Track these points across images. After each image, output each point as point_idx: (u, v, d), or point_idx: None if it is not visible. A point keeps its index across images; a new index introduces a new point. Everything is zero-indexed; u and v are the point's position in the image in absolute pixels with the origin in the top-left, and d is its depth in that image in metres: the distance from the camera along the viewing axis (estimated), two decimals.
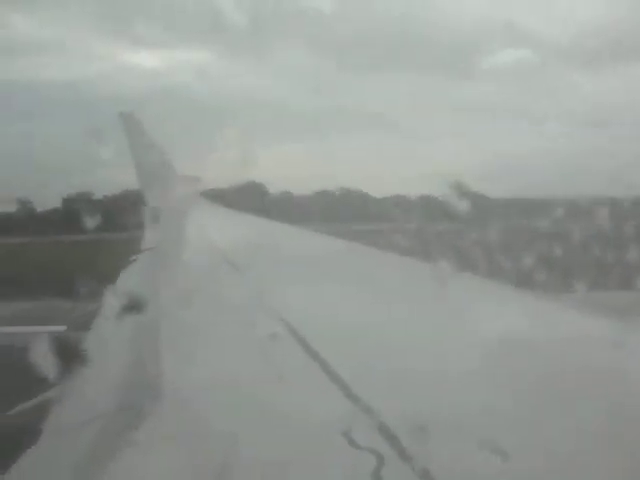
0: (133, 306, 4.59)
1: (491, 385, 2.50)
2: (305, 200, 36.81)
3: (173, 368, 3.08)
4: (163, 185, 13.32)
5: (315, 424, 2.16)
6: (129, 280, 6.83)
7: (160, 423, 2.43)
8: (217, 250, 7.78)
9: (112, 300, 5.47)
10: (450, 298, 3.91)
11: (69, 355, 3.86)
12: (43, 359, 3.11)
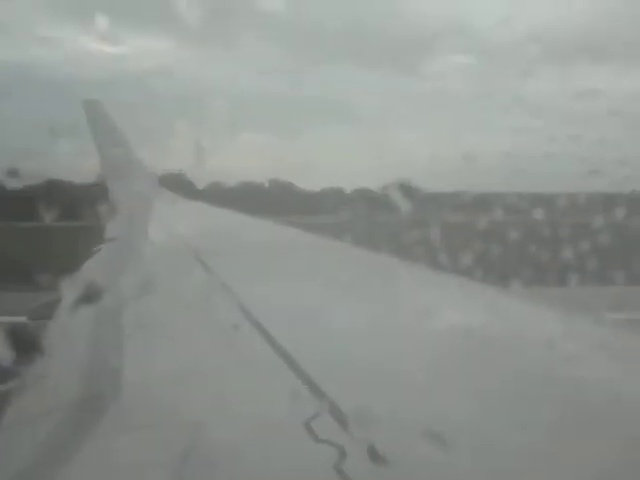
0: (95, 295, 4.55)
1: (439, 375, 2.56)
2: (230, 191, 37.83)
3: (133, 358, 3.08)
4: (127, 175, 13.15)
5: (274, 411, 2.20)
6: (92, 270, 6.75)
7: (122, 413, 2.43)
8: (178, 234, 8.12)
9: (73, 289, 5.42)
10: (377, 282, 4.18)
11: (29, 345, 3.82)
12: (2, 350, 3.08)
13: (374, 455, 1.82)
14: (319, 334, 3.23)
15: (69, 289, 5.62)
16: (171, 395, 2.56)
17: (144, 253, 7.02)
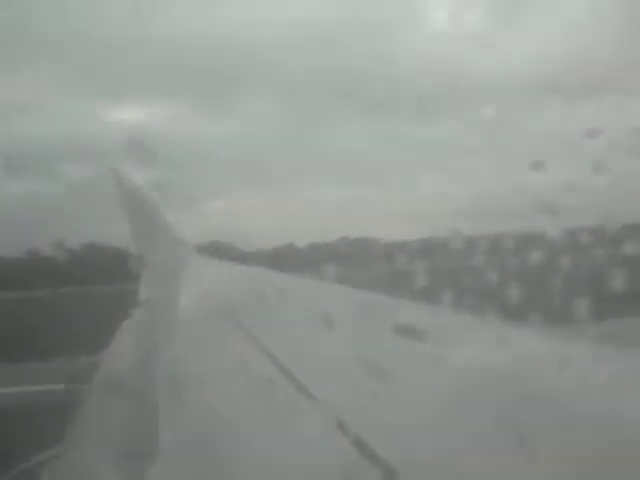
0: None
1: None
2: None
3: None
4: (157, 241, 13.39)
5: None
6: (128, 335, 6.83)
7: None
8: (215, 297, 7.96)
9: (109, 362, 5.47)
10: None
11: (67, 413, 3.87)
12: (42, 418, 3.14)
13: None
14: None
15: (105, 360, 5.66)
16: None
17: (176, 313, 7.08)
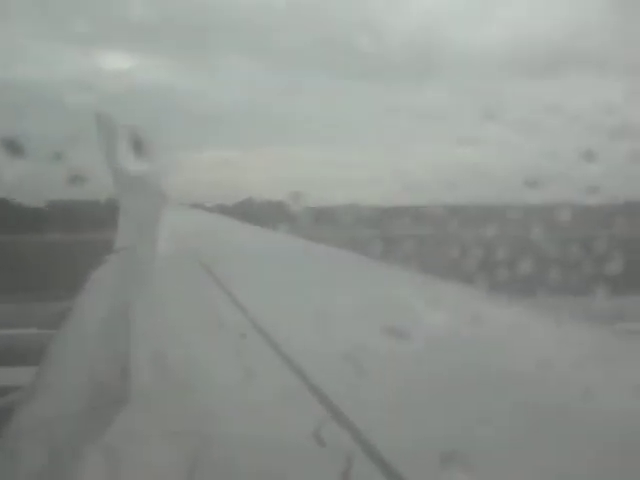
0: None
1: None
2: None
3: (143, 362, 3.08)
4: (138, 189, 13.26)
5: None
6: (101, 279, 6.78)
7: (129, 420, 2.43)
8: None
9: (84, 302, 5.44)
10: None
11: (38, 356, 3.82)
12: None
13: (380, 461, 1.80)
14: None
15: (79, 299, 5.65)
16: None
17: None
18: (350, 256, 7.08)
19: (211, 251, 7.37)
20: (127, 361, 3.17)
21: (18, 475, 2.25)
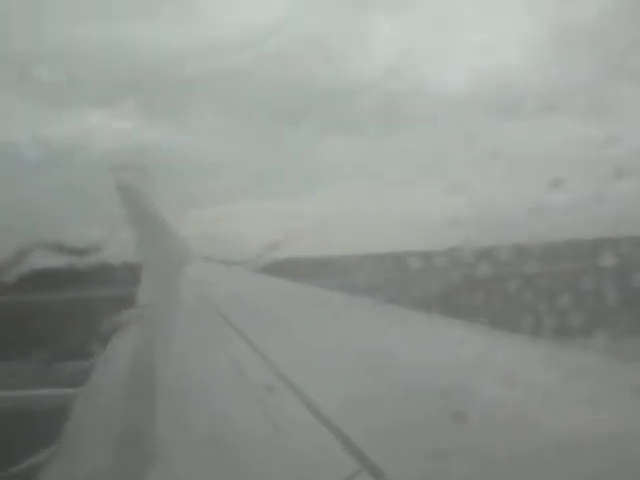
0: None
1: None
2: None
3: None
4: (159, 246, 13.44)
5: None
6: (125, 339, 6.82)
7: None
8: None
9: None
10: None
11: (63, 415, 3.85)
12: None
13: None
14: None
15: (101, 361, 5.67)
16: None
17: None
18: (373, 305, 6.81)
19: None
20: (153, 421, 3.17)
21: None
